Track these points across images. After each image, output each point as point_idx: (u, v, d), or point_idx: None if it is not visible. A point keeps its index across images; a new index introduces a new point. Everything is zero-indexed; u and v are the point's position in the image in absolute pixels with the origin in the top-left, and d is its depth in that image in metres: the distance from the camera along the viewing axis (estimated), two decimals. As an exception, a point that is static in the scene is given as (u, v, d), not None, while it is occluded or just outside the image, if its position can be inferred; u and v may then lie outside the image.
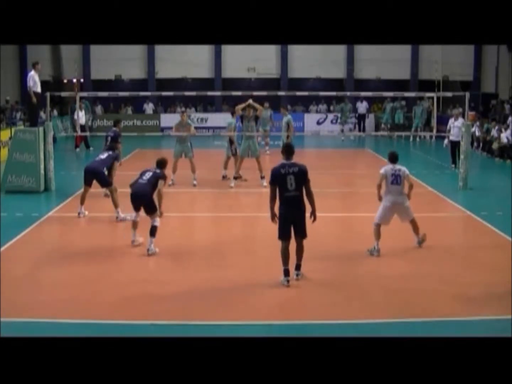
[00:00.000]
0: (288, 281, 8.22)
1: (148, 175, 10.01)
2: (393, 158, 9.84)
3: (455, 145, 17.89)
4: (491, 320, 7.19)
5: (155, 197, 9.93)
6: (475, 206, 13.15)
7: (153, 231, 9.69)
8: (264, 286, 8.26)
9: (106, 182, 12.29)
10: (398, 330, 6.82)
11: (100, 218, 12.33)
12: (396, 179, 9.65)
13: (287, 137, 17.61)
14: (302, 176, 8.20)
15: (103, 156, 12.46)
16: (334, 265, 9.26)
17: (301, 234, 8.30)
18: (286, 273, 8.25)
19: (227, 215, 13.02)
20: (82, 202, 12.20)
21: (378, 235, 9.71)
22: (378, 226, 9.74)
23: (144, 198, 9.85)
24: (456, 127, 17.70)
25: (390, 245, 10.06)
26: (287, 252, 8.28)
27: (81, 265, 9.22)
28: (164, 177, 10.09)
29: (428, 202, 14.09)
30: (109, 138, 14.21)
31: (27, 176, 14.64)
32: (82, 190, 12.43)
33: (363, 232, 10.98)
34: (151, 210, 9.84)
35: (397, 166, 9.76)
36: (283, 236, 8.28)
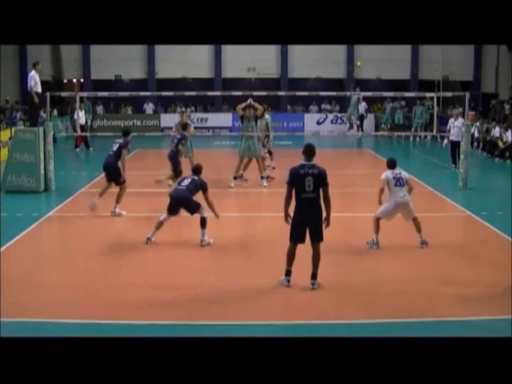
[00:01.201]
0: (288, 281, 8.16)
1: (186, 181, 10.36)
2: (392, 164, 10.22)
3: (455, 145, 17.92)
4: (491, 320, 7.18)
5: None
6: (475, 206, 13.15)
7: (203, 222, 10.11)
8: (264, 286, 8.26)
9: (119, 177, 12.30)
10: (398, 330, 6.82)
11: (100, 218, 12.33)
12: (399, 181, 9.97)
13: (265, 137, 17.08)
14: (321, 178, 8.01)
15: (115, 148, 12.44)
16: (334, 264, 9.25)
17: (317, 237, 8.08)
18: (288, 273, 8.17)
19: (227, 215, 13.00)
20: (100, 195, 12.38)
21: (377, 228, 10.02)
22: (378, 220, 10.02)
23: (184, 202, 10.17)
24: (456, 127, 17.74)
25: (390, 244, 10.07)
26: (293, 253, 8.14)
27: (81, 265, 9.21)
28: (205, 185, 10.29)
29: (428, 202, 14.09)
30: (175, 140, 14.52)
31: (27, 176, 14.64)
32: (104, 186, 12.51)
33: (363, 232, 10.98)
34: (194, 209, 10.22)
35: (397, 170, 10.12)
36: (294, 238, 8.13)
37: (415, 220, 10.10)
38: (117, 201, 12.22)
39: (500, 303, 7.56)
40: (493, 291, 8.06)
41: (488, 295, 7.96)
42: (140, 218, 12.19)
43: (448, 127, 18.96)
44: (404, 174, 10.09)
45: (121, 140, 12.50)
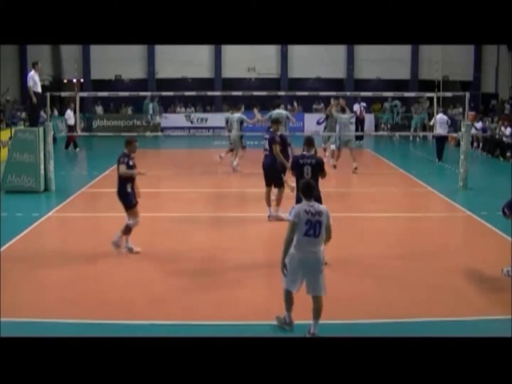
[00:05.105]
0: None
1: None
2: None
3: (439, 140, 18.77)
4: (491, 320, 7.18)
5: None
6: (475, 206, 13.14)
7: (126, 229, 9.55)
8: (262, 287, 8.26)
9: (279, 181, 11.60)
10: (398, 330, 6.82)
11: (100, 218, 12.33)
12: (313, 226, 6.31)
13: (241, 137, 17.74)
14: (318, 167, 9.03)
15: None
16: (334, 264, 9.25)
17: None
18: None
19: (228, 215, 13.01)
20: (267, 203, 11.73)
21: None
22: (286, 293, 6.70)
23: (119, 198, 9.45)
24: (438, 122, 18.31)
25: (389, 245, 10.06)
26: None
27: (81, 265, 9.20)
28: (121, 160, 9.22)
29: (428, 202, 14.11)
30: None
31: (27, 176, 14.64)
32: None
33: (362, 232, 10.99)
34: (125, 207, 9.49)
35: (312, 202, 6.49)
36: None
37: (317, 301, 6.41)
38: (277, 203, 11.56)
39: (500, 303, 7.56)
40: (493, 291, 8.07)
41: (488, 295, 7.96)
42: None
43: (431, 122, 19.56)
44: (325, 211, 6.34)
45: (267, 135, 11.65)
